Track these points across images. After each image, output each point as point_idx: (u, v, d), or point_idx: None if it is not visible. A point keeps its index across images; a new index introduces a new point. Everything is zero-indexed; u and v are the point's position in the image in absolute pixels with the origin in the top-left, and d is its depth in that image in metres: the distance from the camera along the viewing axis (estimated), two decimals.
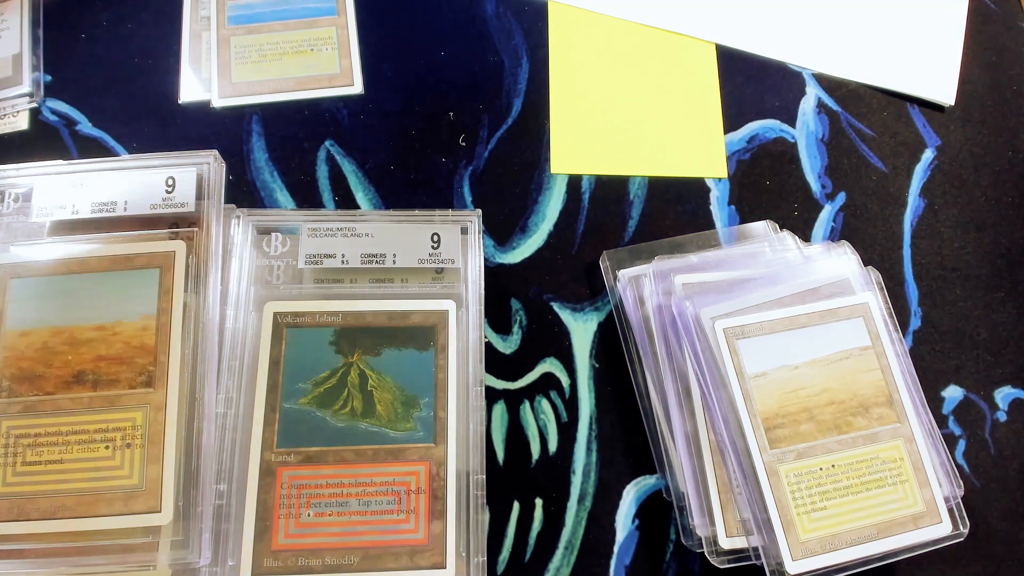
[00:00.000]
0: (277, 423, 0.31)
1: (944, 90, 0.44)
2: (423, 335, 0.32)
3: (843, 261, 0.35)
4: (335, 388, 0.31)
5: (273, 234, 0.34)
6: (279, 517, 0.29)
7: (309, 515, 0.30)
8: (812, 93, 0.44)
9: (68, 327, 0.30)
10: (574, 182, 0.41)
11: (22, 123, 0.40)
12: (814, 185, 0.42)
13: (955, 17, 0.47)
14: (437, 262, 0.33)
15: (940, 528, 0.31)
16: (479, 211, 0.35)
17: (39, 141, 0.40)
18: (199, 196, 0.32)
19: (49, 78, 0.41)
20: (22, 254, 0.31)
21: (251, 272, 0.33)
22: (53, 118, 0.40)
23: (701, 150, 0.42)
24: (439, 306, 0.33)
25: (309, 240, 0.33)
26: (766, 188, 0.41)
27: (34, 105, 0.40)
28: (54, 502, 0.28)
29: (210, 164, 0.33)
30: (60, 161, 0.33)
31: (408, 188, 0.40)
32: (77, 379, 0.29)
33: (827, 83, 0.44)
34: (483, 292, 0.33)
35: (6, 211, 0.32)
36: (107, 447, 0.29)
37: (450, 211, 0.35)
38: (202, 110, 0.41)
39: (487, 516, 0.30)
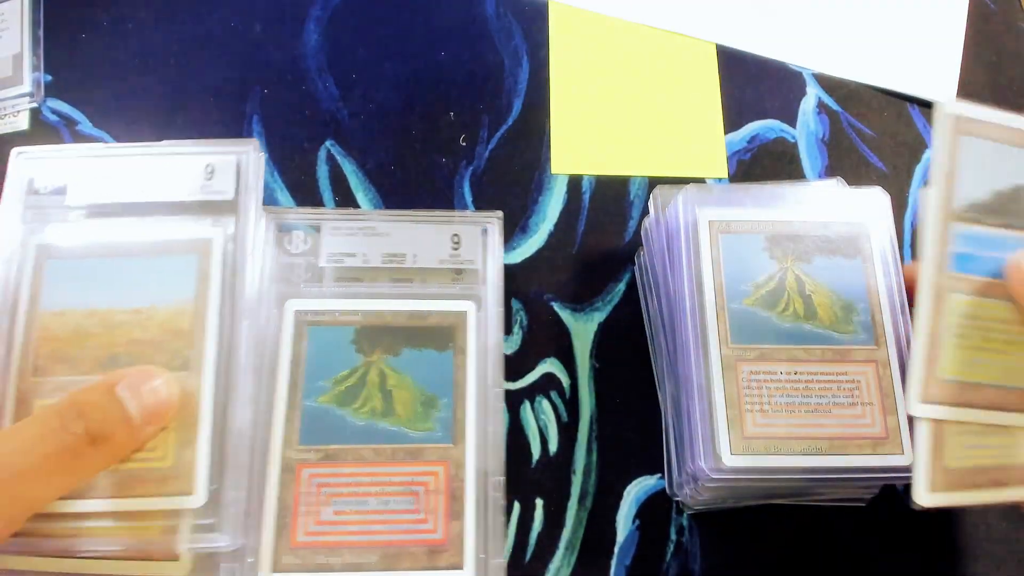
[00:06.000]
0: (298, 420, 0.31)
1: (944, 90, 0.45)
2: (442, 336, 0.32)
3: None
4: (355, 387, 0.31)
5: (295, 232, 0.34)
6: (299, 514, 0.29)
7: (329, 513, 0.30)
8: (812, 93, 0.44)
9: (103, 309, 0.30)
10: (574, 182, 0.41)
11: (22, 123, 0.40)
12: None
13: (955, 17, 0.47)
14: (457, 263, 0.33)
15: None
16: (500, 212, 0.35)
17: (39, 141, 0.40)
18: (237, 185, 0.32)
19: (49, 78, 0.41)
20: (58, 235, 0.31)
21: (272, 269, 0.33)
22: (53, 118, 0.40)
23: (701, 150, 0.42)
24: (458, 307, 0.33)
25: (331, 239, 0.34)
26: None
27: (34, 105, 0.40)
28: (87, 482, 0.28)
29: (249, 153, 0.32)
30: (99, 144, 0.32)
31: (408, 188, 0.40)
32: (111, 361, 0.29)
33: (827, 83, 0.44)
34: (503, 294, 0.33)
35: (43, 192, 0.32)
36: None
37: (470, 212, 0.35)
38: (203, 111, 0.41)
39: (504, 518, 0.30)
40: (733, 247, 0.33)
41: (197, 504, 0.27)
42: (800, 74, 0.44)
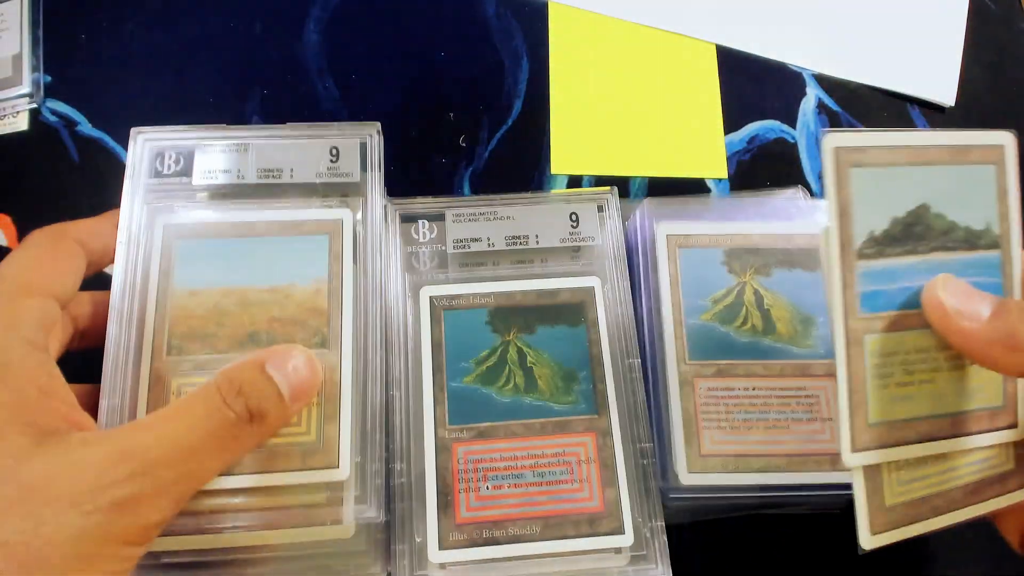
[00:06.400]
0: (446, 401, 0.31)
1: (944, 90, 0.45)
2: (573, 311, 0.33)
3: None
4: (496, 366, 0.32)
5: (420, 221, 0.35)
6: (459, 491, 0.30)
7: (488, 488, 0.30)
8: (812, 94, 0.44)
9: (239, 288, 0.30)
10: (574, 183, 0.41)
11: (22, 123, 0.40)
12: (815, 186, 0.42)
13: (955, 17, 0.47)
14: (577, 241, 0.34)
15: None
16: (615, 187, 0.35)
17: (39, 141, 0.40)
18: (362, 167, 0.33)
19: (49, 78, 0.41)
20: (186, 215, 0.31)
21: (400, 259, 0.34)
22: (53, 118, 0.40)
23: (701, 150, 0.42)
24: (584, 283, 0.33)
25: (455, 225, 0.34)
26: (766, 189, 0.41)
27: (34, 105, 0.40)
28: None
29: (373, 136, 0.33)
30: (224, 126, 0.33)
31: (408, 188, 0.40)
32: (251, 339, 0.29)
33: (827, 83, 0.44)
34: (625, 267, 0.34)
35: (167, 172, 0.32)
36: None
37: (584, 190, 0.35)
38: (203, 111, 0.41)
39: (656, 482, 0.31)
40: (691, 261, 0.33)
41: (342, 477, 0.28)
42: (800, 74, 0.44)
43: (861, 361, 0.24)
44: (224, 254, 0.31)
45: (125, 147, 0.40)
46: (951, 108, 0.44)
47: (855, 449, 0.24)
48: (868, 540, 0.25)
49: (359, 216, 0.32)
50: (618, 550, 0.30)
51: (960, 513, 0.26)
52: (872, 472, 0.25)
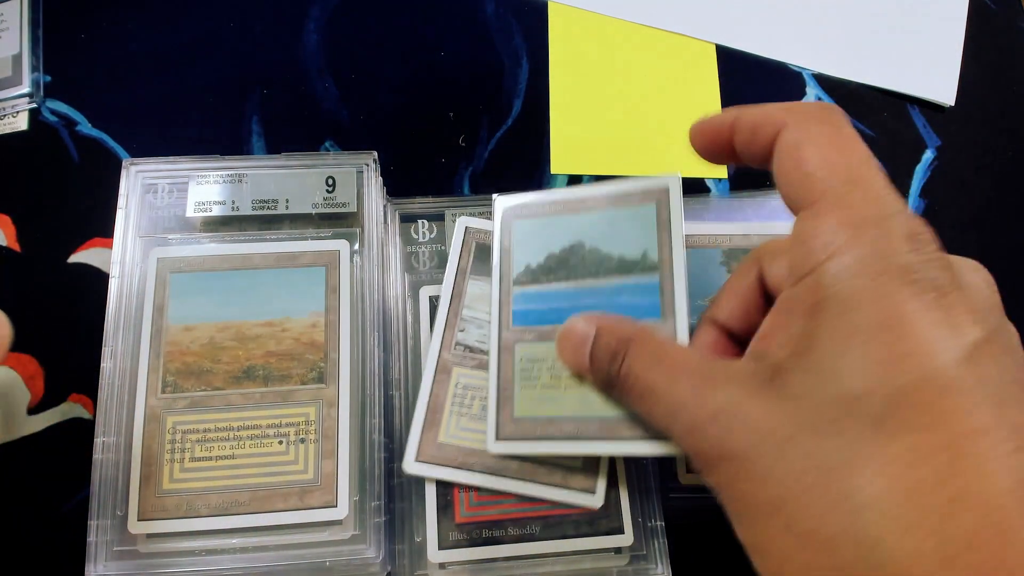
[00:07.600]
0: None
1: (944, 90, 0.45)
2: None
3: None
4: None
5: (419, 221, 0.35)
6: (459, 491, 0.30)
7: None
8: (812, 93, 0.44)
9: (235, 322, 0.30)
10: (574, 182, 0.41)
11: (22, 123, 0.40)
12: None
13: (955, 17, 0.47)
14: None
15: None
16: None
17: (39, 141, 0.40)
18: (359, 196, 0.32)
19: (49, 78, 0.41)
20: (180, 249, 0.31)
21: (400, 259, 0.34)
22: (53, 118, 0.40)
23: None
24: None
25: (454, 225, 0.34)
26: (766, 189, 0.41)
27: (34, 105, 0.40)
28: (226, 497, 0.28)
29: (369, 165, 0.33)
30: (218, 156, 0.33)
31: (408, 188, 0.40)
32: (247, 374, 0.29)
33: (827, 83, 0.44)
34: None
35: (160, 204, 0.32)
36: (280, 442, 0.29)
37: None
38: (203, 111, 0.41)
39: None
40: (691, 261, 0.34)
41: (340, 516, 0.28)
42: (800, 74, 0.44)
43: (510, 364, 0.28)
44: (219, 288, 0.30)
45: (125, 147, 0.40)
46: (950, 107, 0.44)
47: (499, 439, 0.28)
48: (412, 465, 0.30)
49: (356, 247, 0.32)
50: (618, 550, 0.30)
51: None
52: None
